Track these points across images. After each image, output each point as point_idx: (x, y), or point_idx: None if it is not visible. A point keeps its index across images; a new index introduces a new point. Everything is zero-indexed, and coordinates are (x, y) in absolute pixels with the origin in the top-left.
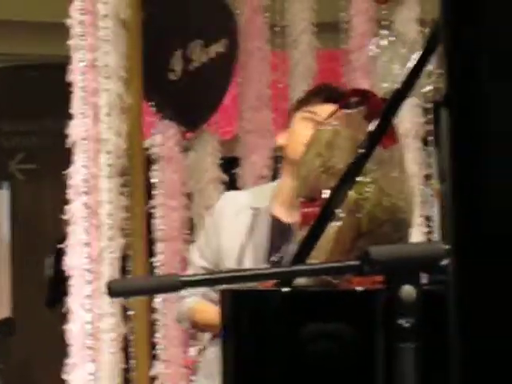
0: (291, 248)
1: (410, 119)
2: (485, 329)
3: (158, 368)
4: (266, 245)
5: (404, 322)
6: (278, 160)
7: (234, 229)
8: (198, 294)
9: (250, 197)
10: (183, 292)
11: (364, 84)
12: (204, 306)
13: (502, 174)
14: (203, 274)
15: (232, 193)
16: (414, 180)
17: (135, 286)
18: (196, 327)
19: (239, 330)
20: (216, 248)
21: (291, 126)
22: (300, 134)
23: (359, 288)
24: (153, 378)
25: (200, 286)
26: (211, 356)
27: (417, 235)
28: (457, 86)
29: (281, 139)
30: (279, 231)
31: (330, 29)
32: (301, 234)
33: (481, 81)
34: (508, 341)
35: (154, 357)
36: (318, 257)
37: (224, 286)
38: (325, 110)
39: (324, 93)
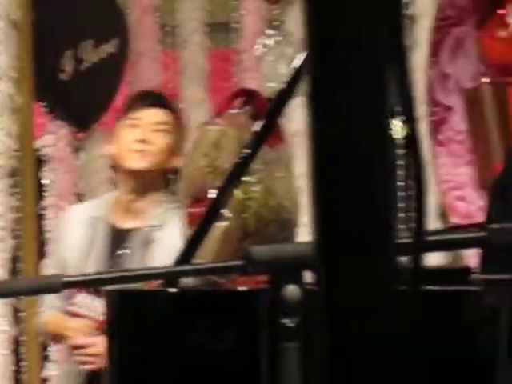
0: (128, 252)
1: (299, 119)
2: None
3: (50, 369)
4: (106, 251)
5: (288, 322)
6: None
7: (77, 239)
8: (55, 307)
9: (91, 207)
10: (41, 306)
11: (255, 84)
12: (57, 318)
13: (355, 176)
14: (86, 275)
15: (74, 205)
16: (304, 179)
17: (17, 287)
18: (52, 339)
19: (124, 331)
20: (62, 259)
21: (117, 134)
22: (126, 141)
23: (243, 288)
24: (44, 380)
25: (83, 286)
26: (65, 371)
27: (305, 235)
28: (314, 91)
29: (110, 148)
30: (117, 237)
31: (221, 29)
32: (188, 234)
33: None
34: (369, 333)
35: (45, 358)
36: (204, 257)
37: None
38: (150, 114)
39: (147, 98)
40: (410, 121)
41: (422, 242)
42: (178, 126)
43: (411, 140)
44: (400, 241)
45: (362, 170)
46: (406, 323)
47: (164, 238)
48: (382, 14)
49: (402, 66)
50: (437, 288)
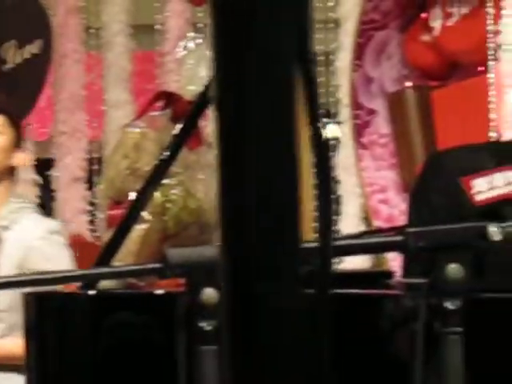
0: None
1: None
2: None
3: None
4: None
5: (205, 325)
6: (92, 162)
7: None
8: None
9: None
10: None
11: (177, 86)
12: None
13: (260, 180)
14: (4, 277)
15: None
16: None
17: None
18: None
19: (44, 333)
20: None
21: None
22: None
23: (160, 290)
24: None
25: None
26: None
27: None
28: (220, 96)
29: None
30: None
31: (145, 30)
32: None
33: (244, 93)
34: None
35: None
36: (124, 259)
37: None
38: None
39: None
40: (317, 126)
41: (330, 246)
42: (10, 126)
43: (318, 145)
44: (309, 245)
45: (267, 174)
46: (315, 326)
47: (12, 238)
48: (290, 22)
49: (309, 70)
50: (354, 291)
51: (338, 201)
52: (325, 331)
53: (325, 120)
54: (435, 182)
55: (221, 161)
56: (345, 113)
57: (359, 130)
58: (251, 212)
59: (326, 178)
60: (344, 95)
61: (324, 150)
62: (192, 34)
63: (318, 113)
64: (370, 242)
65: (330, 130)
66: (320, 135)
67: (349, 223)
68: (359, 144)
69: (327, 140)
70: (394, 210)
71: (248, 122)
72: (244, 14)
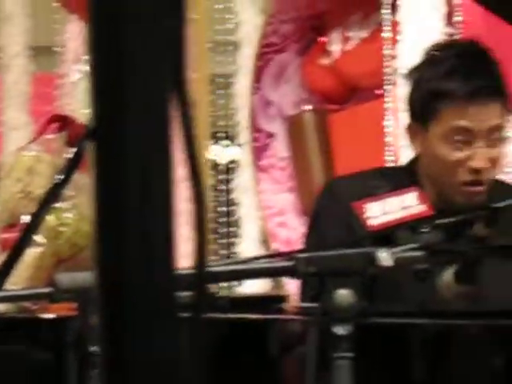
0: None
1: None
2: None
3: None
4: None
5: (96, 349)
6: None
7: None
8: None
9: None
10: None
11: (74, 109)
12: None
13: (134, 209)
14: None
15: None
16: None
17: None
18: None
19: None
20: None
21: None
22: None
23: (51, 315)
24: None
25: None
26: None
27: None
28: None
29: None
30: None
31: (45, 52)
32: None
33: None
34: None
35: None
36: (17, 283)
37: None
38: None
39: None
40: (192, 154)
41: (205, 272)
42: None
43: (192, 174)
44: (185, 271)
45: (140, 199)
46: (190, 350)
47: None
48: (165, 48)
49: (184, 97)
50: (244, 316)
51: (236, 223)
52: (200, 356)
53: (223, 143)
54: (329, 208)
55: (96, 187)
56: (244, 136)
57: (258, 153)
58: (124, 240)
59: (200, 201)
60: (243, 118)
61: (198, 175)
62: (87, 58)
63: (193, 137)
64: (260, 267)
65: (228, 153)
66: (194, 159)
67: (248, 246)
68: (258, 167)
69: (201, 165)
70: (293, 232)
71: (122, 150)
72: (119, 40)
